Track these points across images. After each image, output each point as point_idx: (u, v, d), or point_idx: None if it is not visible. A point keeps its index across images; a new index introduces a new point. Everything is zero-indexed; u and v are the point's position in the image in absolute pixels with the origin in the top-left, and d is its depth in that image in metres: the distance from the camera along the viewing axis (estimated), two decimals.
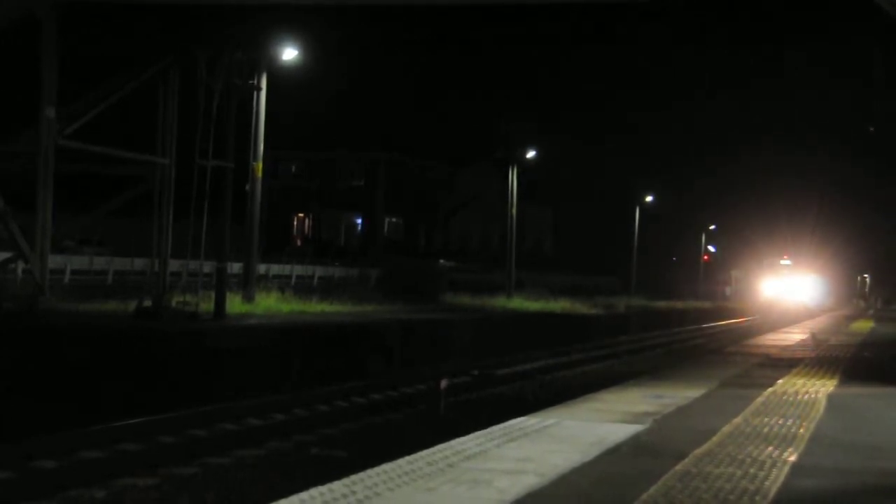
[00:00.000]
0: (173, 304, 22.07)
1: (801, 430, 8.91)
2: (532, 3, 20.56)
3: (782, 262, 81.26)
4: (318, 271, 46.82)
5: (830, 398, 11.61)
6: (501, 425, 8.71)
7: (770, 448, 7.89)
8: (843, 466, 7.27)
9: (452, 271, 53.20)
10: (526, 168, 49.91)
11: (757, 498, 6.05)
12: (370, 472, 6.47)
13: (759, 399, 11.26)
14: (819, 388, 12.63)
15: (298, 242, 67.21)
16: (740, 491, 6.22)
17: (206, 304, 22.44)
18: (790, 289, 76.99)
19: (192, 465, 11.46)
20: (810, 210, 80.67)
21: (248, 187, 26.65)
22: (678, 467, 6.92)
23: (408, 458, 7.02)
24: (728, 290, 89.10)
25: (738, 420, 9.45)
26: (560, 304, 42.47)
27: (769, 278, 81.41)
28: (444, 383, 15.65)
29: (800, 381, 13.54)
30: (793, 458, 7.47)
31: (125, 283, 30.05)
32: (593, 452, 7.41)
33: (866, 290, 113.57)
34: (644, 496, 5.98)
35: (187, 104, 24.21)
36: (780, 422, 9.44)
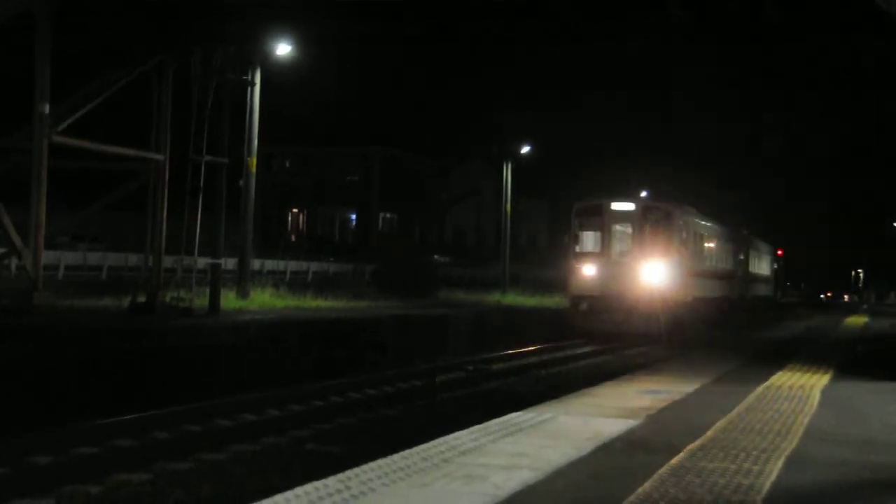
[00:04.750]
0: (167, 299, 22.08)
1: (796, 425, 8.93)
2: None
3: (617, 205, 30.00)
4: (313, 267, 46.80)
5: (824, 392, 11.64)
6: (496, 420, 8.72)
7: (764, 442, 7.91)
8: (837, 460, 7.28)
9: (447, 266, 53.19)
10: (521, 162, 49.86)
11: (751, 492, 6.06)
12: (365, 467, 6.48)
13: (754, 394, 11.29)
14: (813, 383, 12.66)
15: (293, 238, 67.19)
16: (734, 485, 6.23)
17: (201, 300, 22.44)
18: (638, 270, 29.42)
19: (186, 460, 11.45)
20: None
21: (241, 183, 26.65)
22: (672, 462, 6.93)
23: (402, 453, 7.02)
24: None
25: (732, 415, 9.47)
26: (555, 300, 42.46)
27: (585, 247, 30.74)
28: (439, 378, 15.65)
29: (794, 376, 13.57)
30: (787, 453, 7.49)
31: (120, 278, 30.04)
32: (588, 447, 7.42)
33: (860, 284, 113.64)
34: (639, 490, 5.99)
35: (181, 100, 24.18)
36: (775, 416, 9.46)
